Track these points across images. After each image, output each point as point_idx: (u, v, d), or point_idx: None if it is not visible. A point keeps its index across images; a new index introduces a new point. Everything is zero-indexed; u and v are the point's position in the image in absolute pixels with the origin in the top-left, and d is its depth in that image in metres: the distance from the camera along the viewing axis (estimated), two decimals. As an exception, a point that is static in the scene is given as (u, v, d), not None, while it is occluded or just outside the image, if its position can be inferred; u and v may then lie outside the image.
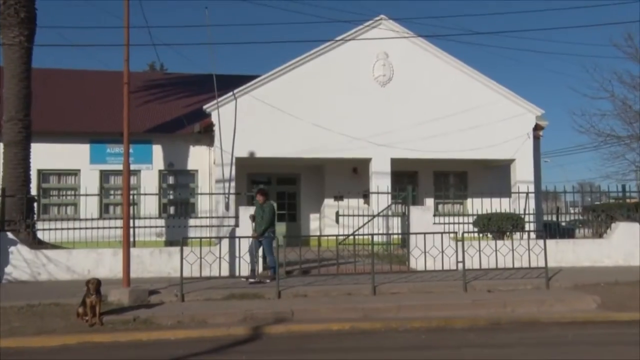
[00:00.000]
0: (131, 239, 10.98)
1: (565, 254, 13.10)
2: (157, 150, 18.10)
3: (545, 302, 9.20)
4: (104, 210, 17.66)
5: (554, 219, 15.06)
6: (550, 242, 12.65)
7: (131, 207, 10.94)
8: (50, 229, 12.75)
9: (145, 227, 13.15)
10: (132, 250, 10.92)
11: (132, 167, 12.21)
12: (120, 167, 12.95)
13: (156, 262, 11.74)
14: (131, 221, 10.86)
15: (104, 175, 17.93)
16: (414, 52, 17.58)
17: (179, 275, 9.67)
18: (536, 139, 19.39)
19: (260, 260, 11.26)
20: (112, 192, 18.01)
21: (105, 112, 18.93)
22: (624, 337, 7.46)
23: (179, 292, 9.44)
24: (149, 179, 17.62)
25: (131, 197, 11.21)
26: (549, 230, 13.69)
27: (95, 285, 8.04)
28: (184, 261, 9.63)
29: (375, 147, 16.95)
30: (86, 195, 14.06)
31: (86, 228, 12.65)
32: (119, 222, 11.43)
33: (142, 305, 8.98)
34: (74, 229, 12.60)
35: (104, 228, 12.74)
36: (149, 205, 15.82)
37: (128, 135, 9.98)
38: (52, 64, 60.42)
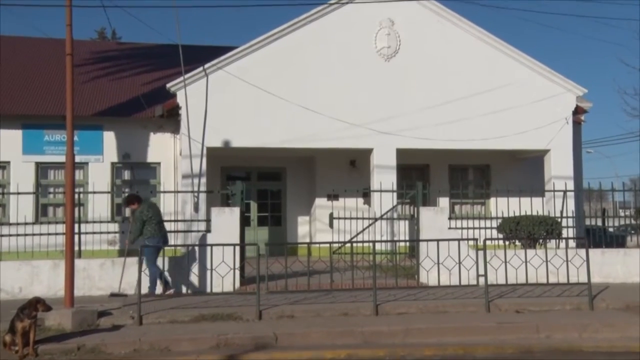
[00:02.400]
0: (76, 248, 10.89)
1: (614, 266, 13.14)
2: (109, 138, 17.98)
3: (589, 327, 9.20)
4: (41, 212, 17.52)
5: (599, 223, 15.10)
6: (595, 252, 12.69)
7: (76, 209, 10.83)
8: (-29, 236, 12.63)
9: (93, 233, 13.04)
10: (77, 261, 10.83)
11: (78, 158, 12.07)
12: (62, 158, 12.78)
13: (108, 277, 11.65)
14: (76, 226, 10.76)
15: (41, 169, 17.78)
16: (425, 18, 17.56)
17: (135, 292, 9.58)
18: (576, 124, 19.42)
19: (237, 273, 11.20)
20: (51, 189, 17.86)
21: (43, 90, 18.75)
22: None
23: (135, 313, 9.37)
24: (98, 173, 17.51)
25: (76, 196, 11.13)
26: (593, 238, 13.73)
27: (44, 307, 7.96)
28: (142, 275, 9.55)
29: (378, 135, 16.93)
30: (18, 193, 13.90)
31: (18, 235, 12.51)
32: (61, 228, 11.31)
33: (89, 330, 8.90)
34: (2, 235, 12.46)
35: (40, 235, 12.61)
36: (99, 206, 15.66)
37: (72, 119, 9.87)
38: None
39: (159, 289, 11.06)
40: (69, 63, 9.82)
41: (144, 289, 11.12)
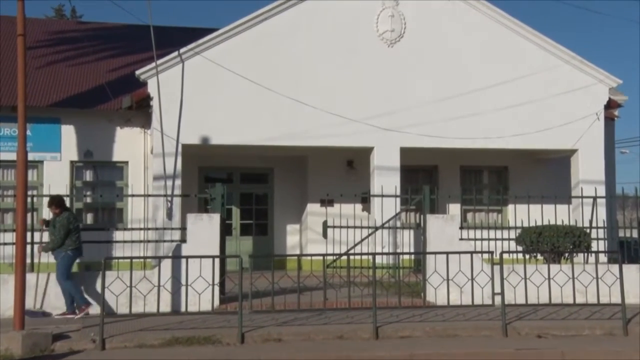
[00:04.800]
0: (28, 261, 10.83)
1: (652, 285, 13.12)
2: (68, 133, 17.91)
3: (622, 355, 9.21)
4: (-12, 219, 17.45)
5: (635, 235, 15.12)
6: (630, 269, 12.70)
7: (29, 215, 10.77)
8: None
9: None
10: (29, 276, 10.78)
11: (31, 156, 12.02)
12: (12, 156, 12.75)
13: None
14: (28, 235, 10.70)
15: (-12, 169, 17.73)
16: (434, -2, 17.61)
17: (98, 312, 9.55)
18: (609, 120, 19.47)
19: (217, 289, 11.20)
20: None
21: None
22: None
23: (97, 336, 9.34)
24: (56, 173, 17.42)
25: (29, 199, 11.07)
26: (628, 252, 13.74)
27: None
28: (106, 291, 9.52)
29: (379, 131, 16.94)
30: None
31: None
32: (10, 236, 11.23)
33: (42, 356, 8.85)
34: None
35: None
36: (56, 211, 15.65)
37: (24, 111, 9.82)
38: None
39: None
40: (20, 45, 9.77)
41: (63, 308, 11.26)
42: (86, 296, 11.34)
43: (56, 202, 11.79)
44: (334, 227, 14.53)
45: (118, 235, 15.12)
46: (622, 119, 53.26)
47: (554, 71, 17.85)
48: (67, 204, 12.32)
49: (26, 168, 9.84)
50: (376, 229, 14.78)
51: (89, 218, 18.22)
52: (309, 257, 11.44)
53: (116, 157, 18.16)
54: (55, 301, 11.50)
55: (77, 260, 12.00)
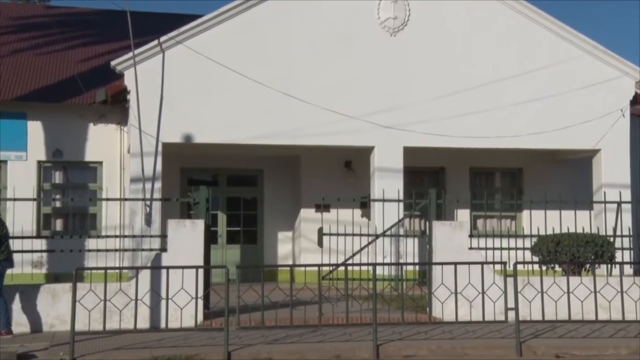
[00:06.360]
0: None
1: (684, 300, 13.15)
2: (35, 130, 17.91)
3: (648, 376, 9.24)
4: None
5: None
6: (658, 281, 12.73)
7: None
8: None
9: (14, 251, 12.91)
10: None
11: (-5, 155, 12.01)
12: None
13: (31, 308, 11.57)
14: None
15: (-54, 169, 17.71)
16: (442, -19, 17.66)
17: (68, 329, 9.53)
18: (636, 117, 19.50)
19: (201, 303, 11.21)
20: (-41, 195, 17.73)
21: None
22: None
23: (67, 355, 9.32)
24: (21, 174, 17.42)
25: (-7, 202, 11.08)
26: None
27: None
28: (77, 305, 9.50)
29: (380, 129, 16.97)
30: None
31: None
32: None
33: (7, 376, 8.86)
34: None
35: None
36: (22, 216, 15.51)
37: (-12, 104, 9.82)
38: None
39: None
40: (-15, 32, 9.77)
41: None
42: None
43: None
44: (330, 234, 14.52)
45: (91, 243, 15.09)
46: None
47: (574, 63, 17.89)
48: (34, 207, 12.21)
49: (-11, 168, 9.83)
50: (377, 236, 14.79)
51: (59, 224, 18.21)
52: (302, 268, 11.40)
53: (89, 156, 18.16)
54: (17, 317, 11.51)
55: (9, 271, 11.76)
